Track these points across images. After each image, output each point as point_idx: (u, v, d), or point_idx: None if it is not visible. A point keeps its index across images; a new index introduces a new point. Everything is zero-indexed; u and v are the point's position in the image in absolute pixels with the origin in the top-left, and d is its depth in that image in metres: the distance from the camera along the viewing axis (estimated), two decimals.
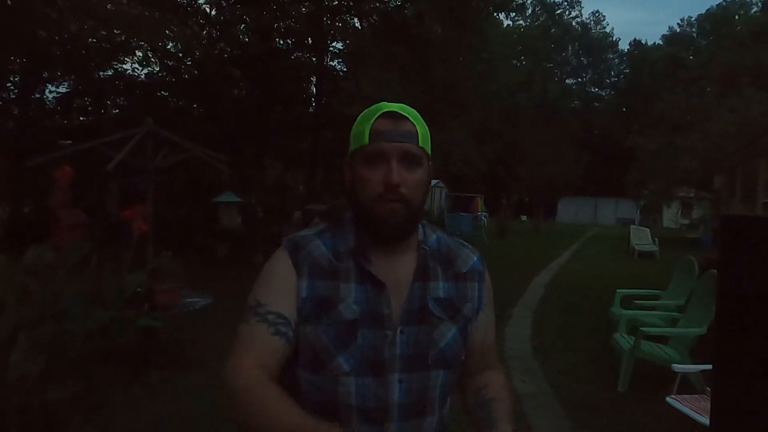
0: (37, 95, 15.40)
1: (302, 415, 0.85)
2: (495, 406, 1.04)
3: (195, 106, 15.73)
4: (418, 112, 1.02)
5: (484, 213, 26.11)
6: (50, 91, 16.23)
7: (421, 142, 0.99)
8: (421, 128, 1.00)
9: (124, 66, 15.80)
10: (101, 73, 15.94)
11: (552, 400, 4.29)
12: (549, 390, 4.52)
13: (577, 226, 32.44)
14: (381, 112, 0.98)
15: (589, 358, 5.40)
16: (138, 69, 16.40)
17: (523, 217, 35.68)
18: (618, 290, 6.07)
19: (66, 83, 15.65)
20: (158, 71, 16.04)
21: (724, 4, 44.43)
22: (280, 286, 0.96)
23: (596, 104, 52.15)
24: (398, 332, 0.97)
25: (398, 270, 1.00)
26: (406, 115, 0.99)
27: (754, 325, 1.24)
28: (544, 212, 36.05)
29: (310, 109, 16.69)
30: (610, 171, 38.27)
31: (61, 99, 16.14)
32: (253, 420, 0.86)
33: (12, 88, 14.68)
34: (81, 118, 17.18)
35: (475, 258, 1.13)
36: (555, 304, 8.38)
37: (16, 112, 14.88)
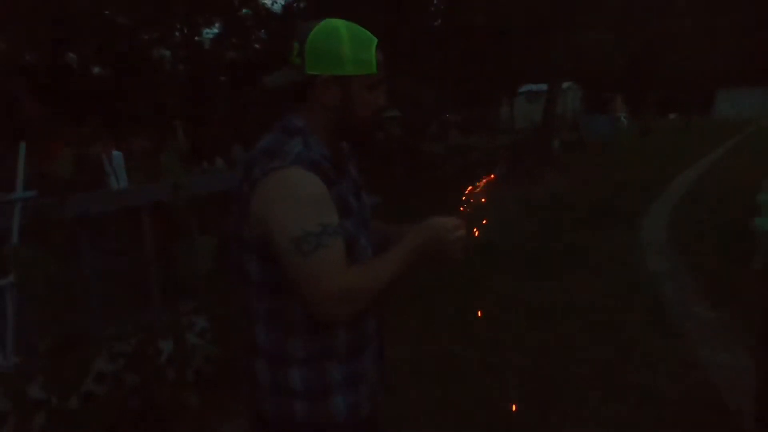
0: (197, 38, 17.58)
1: (388, 256, 1.12)
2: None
3: None
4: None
5: (623, 114, 24.32)
6: (206, 33, 18.30)
7: None
8: None
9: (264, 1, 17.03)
10: (243, 11, 17.54)
11: (686, 278, 4.71)
12: (683, 269, 4.92)
13: (739, 121, 28.67)
14: (375, 43, 1.13)
15: (727, 242, 5.55)
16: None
17: (672, 115, 32.33)
18: (765, 179, 5.93)
19: (216, 25, 17.59)
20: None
21: None
22: (327, 201, 1.06)
23: None
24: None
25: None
26: None
27: None
28: (698, 107, 32.18)
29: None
30: None
31: (214, 39, 18.20)
32: (379, 287, 1.09)
33: (177, 35, 16.98)
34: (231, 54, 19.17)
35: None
36: (698, 198, 8.28)
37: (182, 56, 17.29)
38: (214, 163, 5.31)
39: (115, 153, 3.52)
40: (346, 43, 1.10)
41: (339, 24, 1.12)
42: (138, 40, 16.18)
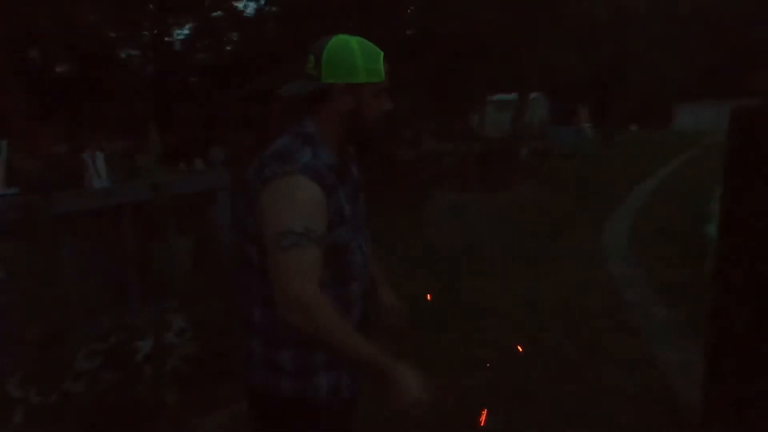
0: (166, 39, 17.31)
1: (363, 338, 1.18)
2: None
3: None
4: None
5: (588, 124, 25.10)
6: (177, 35, 18.01)
7: None
8: None
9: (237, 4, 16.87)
10: (215, 13, 17.35)
11: (645, 281, 4.98)
12: (642, 272, 5.19)
13: (697, 134, 29.95)
14: (382, 55, 1.26)
15: (682, 248, 5.88)
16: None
17: (633, 127, 33.52)
18: (716, 188, 6.30)
19: (188, 26, 17.36)
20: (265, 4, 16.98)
21: None
22: (319, 211, 1.16)
23: None
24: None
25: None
26: None
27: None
28: (659, 120, 33.48)
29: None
30: (740, 69, 33.96)
31: (185, 41, 17.93)
32: (326, 332, 1.14)
33: (146, 35, 16.67)
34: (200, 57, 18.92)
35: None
36: (657, 206, 8.69)
37: (152, 56, 16.97)
38: (191, 163, 5.34)
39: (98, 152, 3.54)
40: (359, 55, 1.23)
41: (351, 39, 1.25)
42: (104, 38, 15.83)
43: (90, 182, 2.61)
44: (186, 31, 17.88)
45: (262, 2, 16.39)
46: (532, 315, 4.11)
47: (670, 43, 28.69)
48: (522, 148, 15.22)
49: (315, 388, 1.27)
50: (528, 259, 5.69)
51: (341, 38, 1.25)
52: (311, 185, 1.15)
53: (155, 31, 17.03)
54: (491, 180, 11.75)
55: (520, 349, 3.01)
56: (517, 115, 15.45)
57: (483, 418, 2.73)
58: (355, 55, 1.23)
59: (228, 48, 18.56)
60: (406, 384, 1.15)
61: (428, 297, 2.67)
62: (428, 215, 8.07)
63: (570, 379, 3.12)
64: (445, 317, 4.06)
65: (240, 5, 17.61)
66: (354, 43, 1.25)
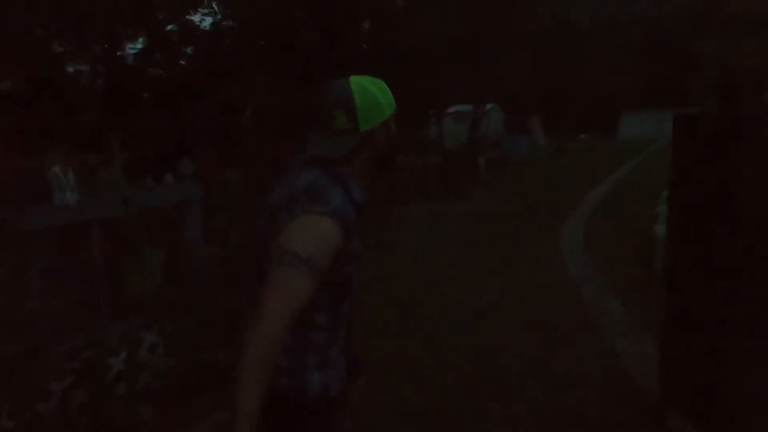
0: (118, 53, 16.87)
1: (258, 403, 1.21)
2: None
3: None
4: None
5: (541, 134, 26.05)
6: (129, 48, 17.58)
7: None
8: None
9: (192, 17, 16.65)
10: (169, 27, 17.08)
11: (601, 280, 5.24)
12: (598, 272, 5.46)
13: (641, 142, 31.54)
14: (384, 83, 1.35)
15: (634, 248, 6.21)
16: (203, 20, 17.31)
17: (582, 136, 34.95)
18: (662, 192, 6.71)
19: (140, 40, 16.99)
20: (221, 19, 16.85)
21: None
22: (331, 248, 1.23)
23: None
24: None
25: None
26: None
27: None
28: (605, 129, 35.04)
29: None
30: (678, 80, 36.10)
31: (137, 55, 17.53)
32: (248, 358, 1.21)
33: (97, 48, 16.19)
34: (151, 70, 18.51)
35: None
36: (608, 210, 9.12)
37: (101, 70, 16.49)
38: (159, 178, 5.26)
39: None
40: (378, 93, 1.33)
41: (362, 81, 1.34)
42: (49, 52, 15.25)
43: (62, 197, 2.58)
44: (139, 45, 17.52)
45: (218, 17, 16.27)
46: (499, 314, 4.27)
47: (615, 57, 30.19)
48: (480, 158, 15.65)
49: (308, 386, 1.37)
50: (491, 263, 5.88)
51: (358, 85, 1.32)
52: (334, 228, 1.24)
53: (105, 45, 16.59)
54: (452, 190, 12.05)
55: None
56: (473, 126, 15.89)
57: None
58: (376, 95, 1.33)
59: (183, 62, 18.29)
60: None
61: None
62: (391, 225, 8.18)
63: (538, 373, 3.27)
64: (413, 323, 4.16)
65: (195, 19, 17.29)
66: (368, 85, 1.33)
